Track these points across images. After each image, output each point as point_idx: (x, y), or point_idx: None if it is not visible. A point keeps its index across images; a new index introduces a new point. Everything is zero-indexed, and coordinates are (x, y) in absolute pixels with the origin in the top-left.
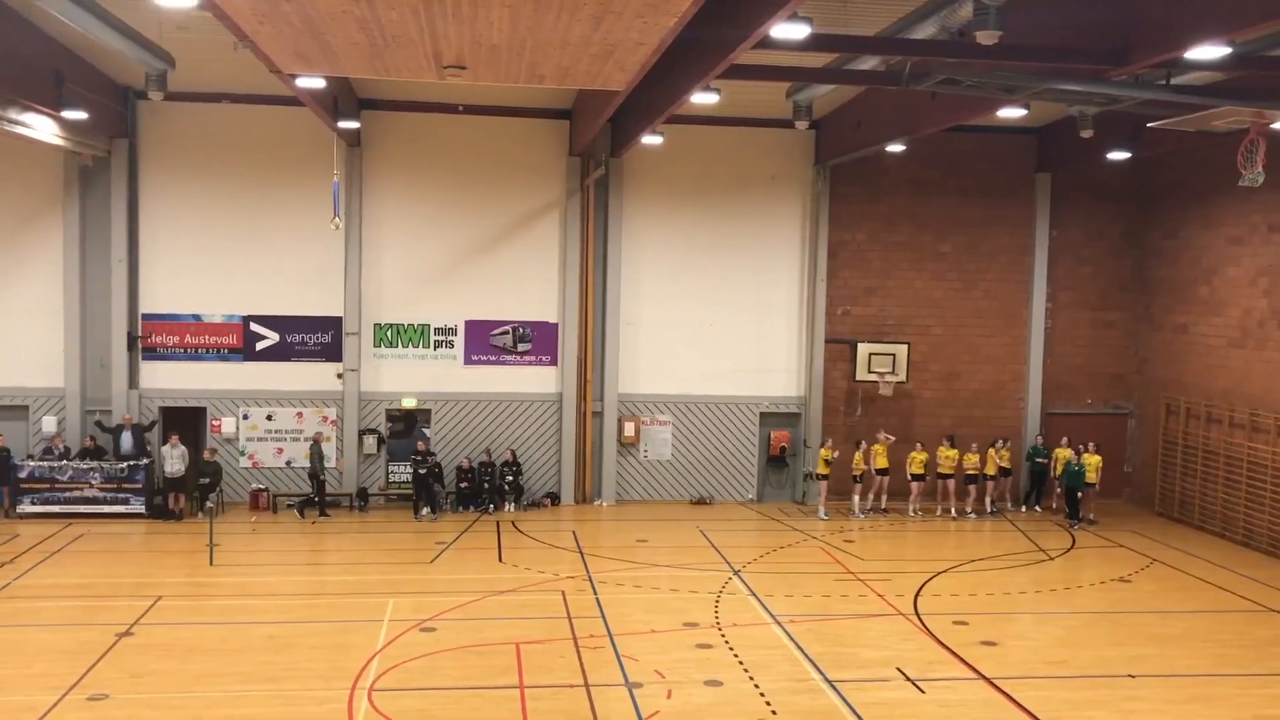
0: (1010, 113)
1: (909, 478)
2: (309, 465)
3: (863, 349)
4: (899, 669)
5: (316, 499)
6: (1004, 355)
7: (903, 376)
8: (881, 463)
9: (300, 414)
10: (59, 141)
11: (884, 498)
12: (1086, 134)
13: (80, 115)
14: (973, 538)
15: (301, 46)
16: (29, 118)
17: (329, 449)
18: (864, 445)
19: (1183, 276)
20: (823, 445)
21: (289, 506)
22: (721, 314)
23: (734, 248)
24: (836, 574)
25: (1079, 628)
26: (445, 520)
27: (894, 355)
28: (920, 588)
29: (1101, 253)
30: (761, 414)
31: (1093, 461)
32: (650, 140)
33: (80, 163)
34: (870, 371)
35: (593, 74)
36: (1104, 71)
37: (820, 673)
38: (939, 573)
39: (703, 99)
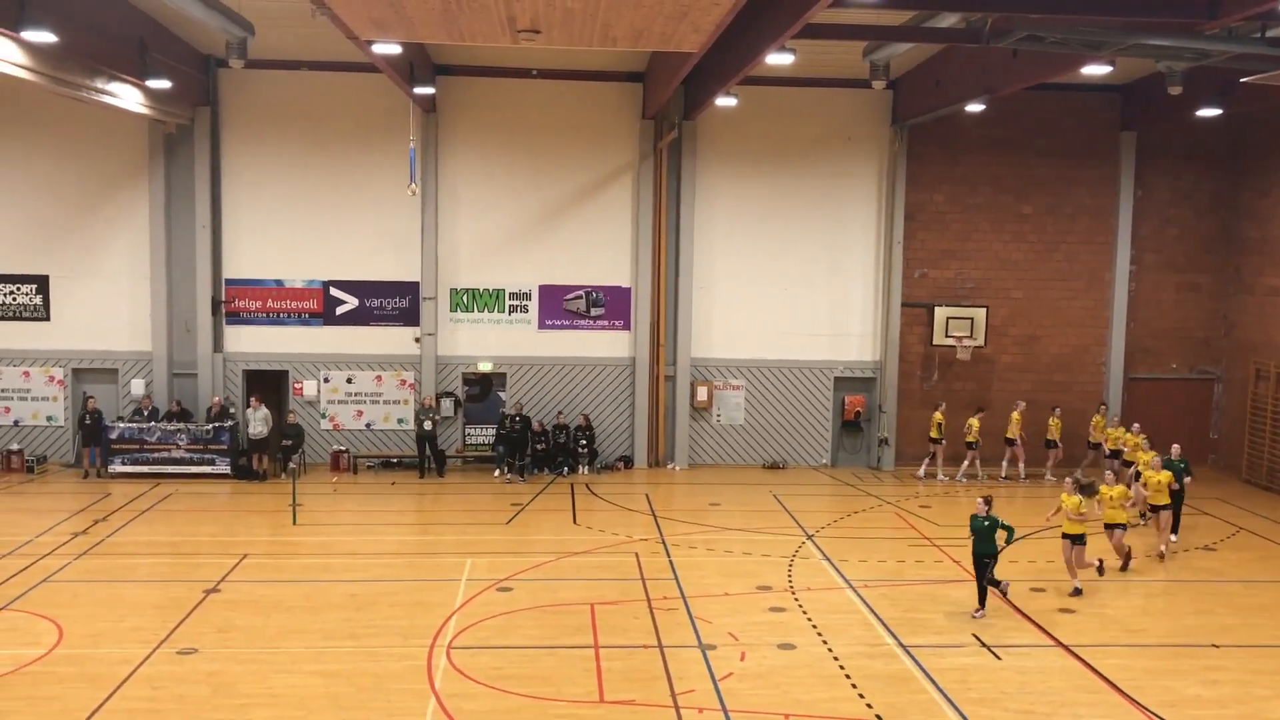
0: (1095, 70)
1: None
2: (420, 429)
3: (940, 312)
4: (975, 635)
5: (433, 462)
6: (1085, 319)
7: (981, 340)
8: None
9: (379, 377)
10: (144, 110)
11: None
12: (1175, 91)
13: (164, 84)
14: (1051, 504)
15: (378, 13)
16: (115, 87)
17: (405, 411)
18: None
19: (1275, 237)
20: (937, 409)
21: (369, 467)
22: (795, 277)
23: (808, 210)
24: (911, 539)
25: (1161, 596)
26: (521, 482)
27: (972, 319)
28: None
29: (1188, 213)
30: (836, 378)
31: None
32: (724, 102)
33: (164, 130)
34: (948, 335)
35: (666, 35)
36: (1194, 25)
37: (894, 638)
38: (1017, 539)
39: (778, 59)
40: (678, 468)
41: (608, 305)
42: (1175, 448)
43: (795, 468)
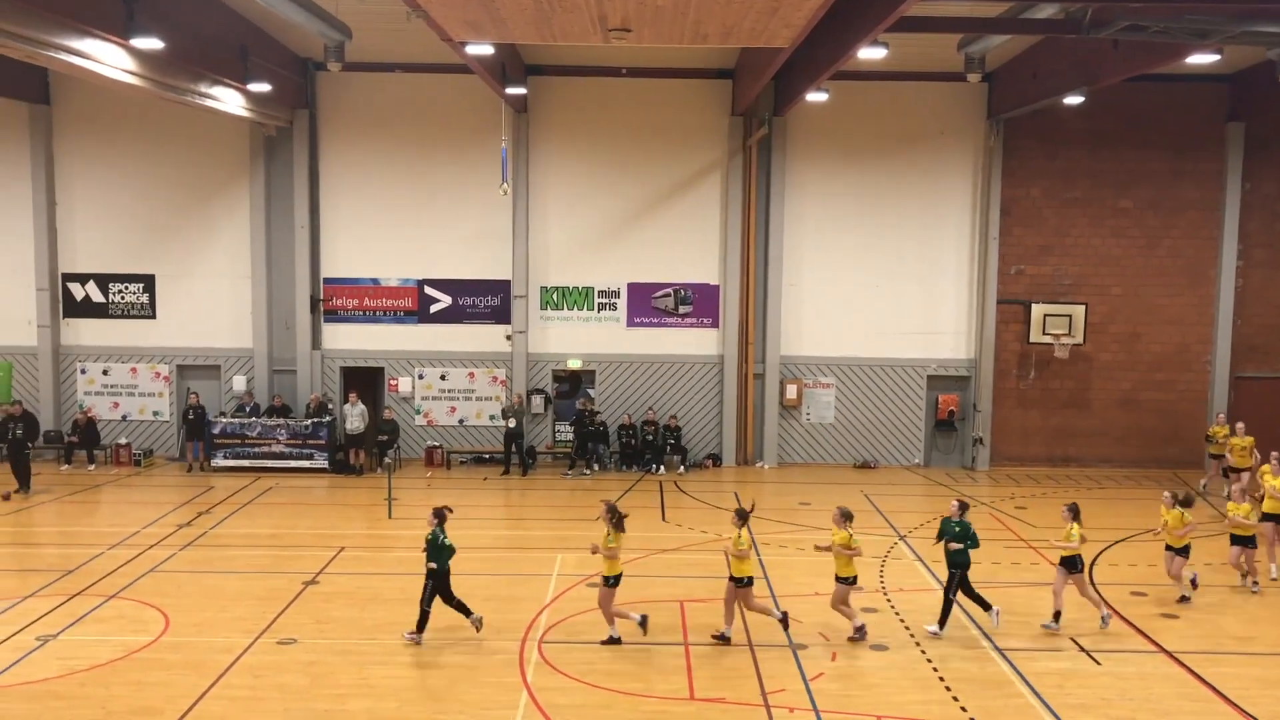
0: (1201, 59)
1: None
2: (509, 427)
3: (1037, 309)
4: (1072, 639)
5: (520, 459)
6: (1189, 316)
7: (1080, 338)
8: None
9: (472, 374)
10: (245, 113)
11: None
12: None
13: (264, 87)
14: (1153, 506)
15: (471, 14)
16: (218, 91)
17: (495, 408)
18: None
19: None
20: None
21: (462, 463)
22: (887, 274)
23: (901, 206)
24: (1007, 540)
25: (1270, 603)
26: (609, 479)
27: (1070, 316)
28: (1096, 556)
29: None
30: (929, 376)
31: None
32: (815, 97)
33: (264, 133)
34: (1045, 333)
35: (757, 31)
36: None
37: (989, 640)
38: (1116, 542)
39: (870, 53)
40: (766, 466)
41: (696, 303)
42: None
43: (887, 467)
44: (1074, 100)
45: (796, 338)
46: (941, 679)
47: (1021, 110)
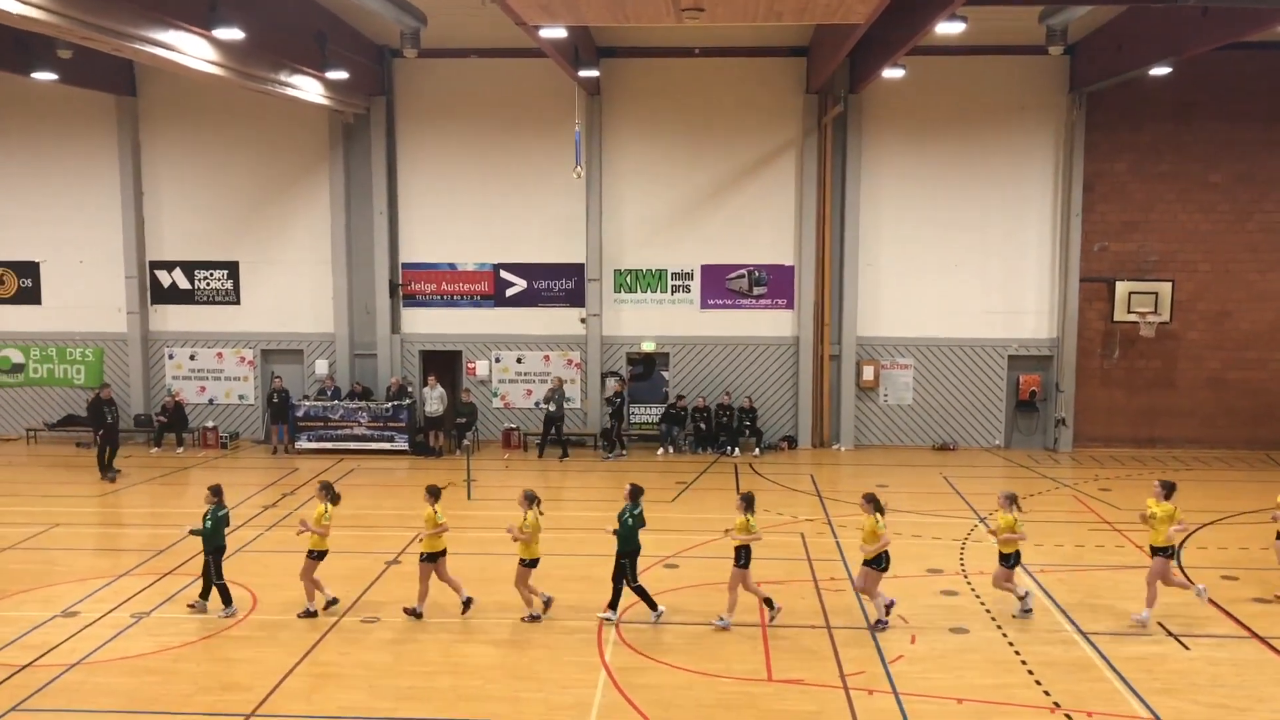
0: None
1: None
2: (549, 409)
3: (1121, 287)
4: (1160, 623)
5: (559, 440)
6: None
7: (1166, 316)
8: None
9: (547, 357)
10: (324, 101)
11: None
12: None
13: (342, 75)
14: (1244, 488)
15: None
16: (297, 79)
17: (572, 390)
18: None
19: None
20: None
21: (539, 445)
22: (967, 253)
23: (980, 183)
24: (1091, 523)
25: None
26: (684, 460)
27: (1156, 294)
28: (1184, 539)
29: None
30: (1010, 357)
31: None
32: (891, 74)
33: (343, 120)
34: (1130, 311)
35: (833, 7)
36: None
37: (1073, 624)
38: (1206, 524)
39: (948, 28)
40: (843, 448)
41: (771, 284)
42: None
43: (966, 449)
44: (1161, 71)
45: (874, 318)
46: (1024, 662)
47: (1105, 83)
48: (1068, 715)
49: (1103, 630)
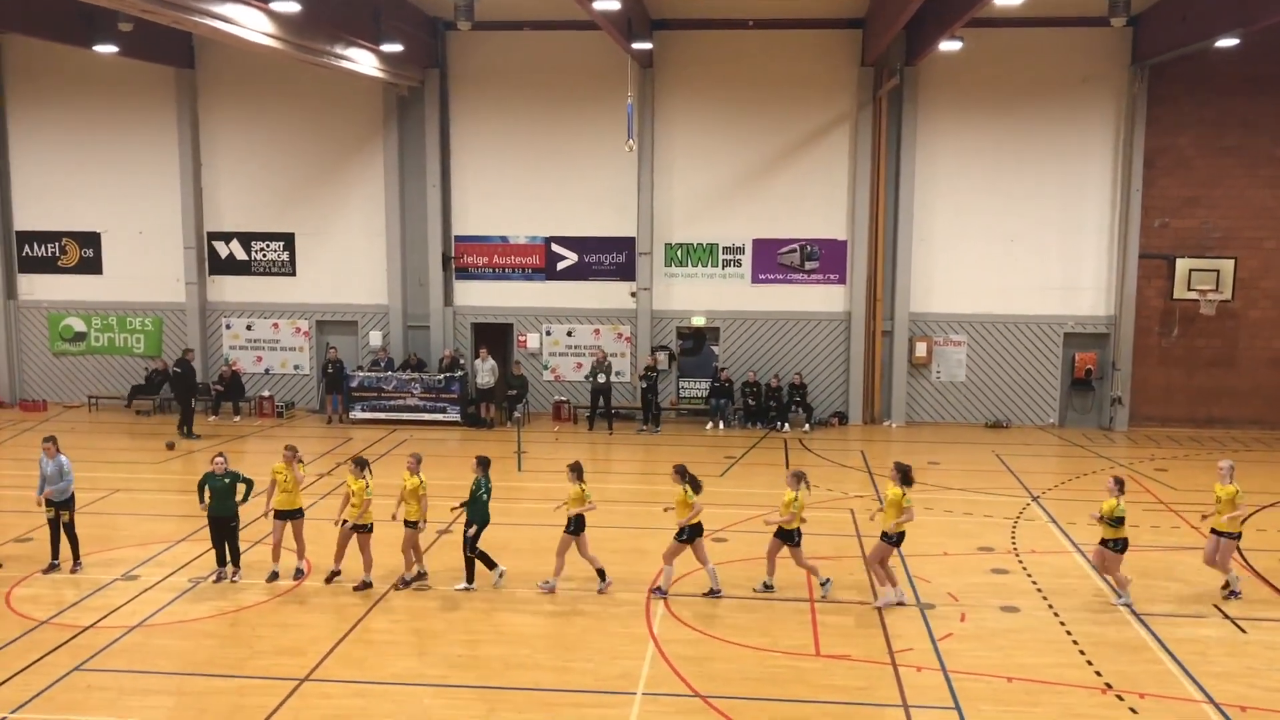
0: None
1: None
2: (595, 383)
3: (1182, 264)
4: (1216, 606)
5: (604, 412)
6: None
7: (1228, 294)
8: None
9: (597, 330)
10: (378, 74)
11: None
12: None
13: (396, 48)
14: None
15: None
16: (352, 52)
17: (622, 364)
18: None
19: None
20: None
21: (589, 417)
22: (1023, 228)
23: (1038, 157)
24: (1146, 503)
25: None
26: (734, 436)
27: (1218, 271)
28: (1243, 521)
29: None
30: (1066, 334)
31: None
32: (948, 46)
33: (397, 93)
34: (1190, 289)
35: None
36: None
37: (1126, 604)
38: (1266, 506)
39: None
40: (894, 425)
41: (823, 258)
42: None
43: (1020, 427)
44: (1228, 43)
45: (927, 294)
46: (1075, 642)
47: (1169, 55)
48: (1119, 696)
49: (1157, 612)
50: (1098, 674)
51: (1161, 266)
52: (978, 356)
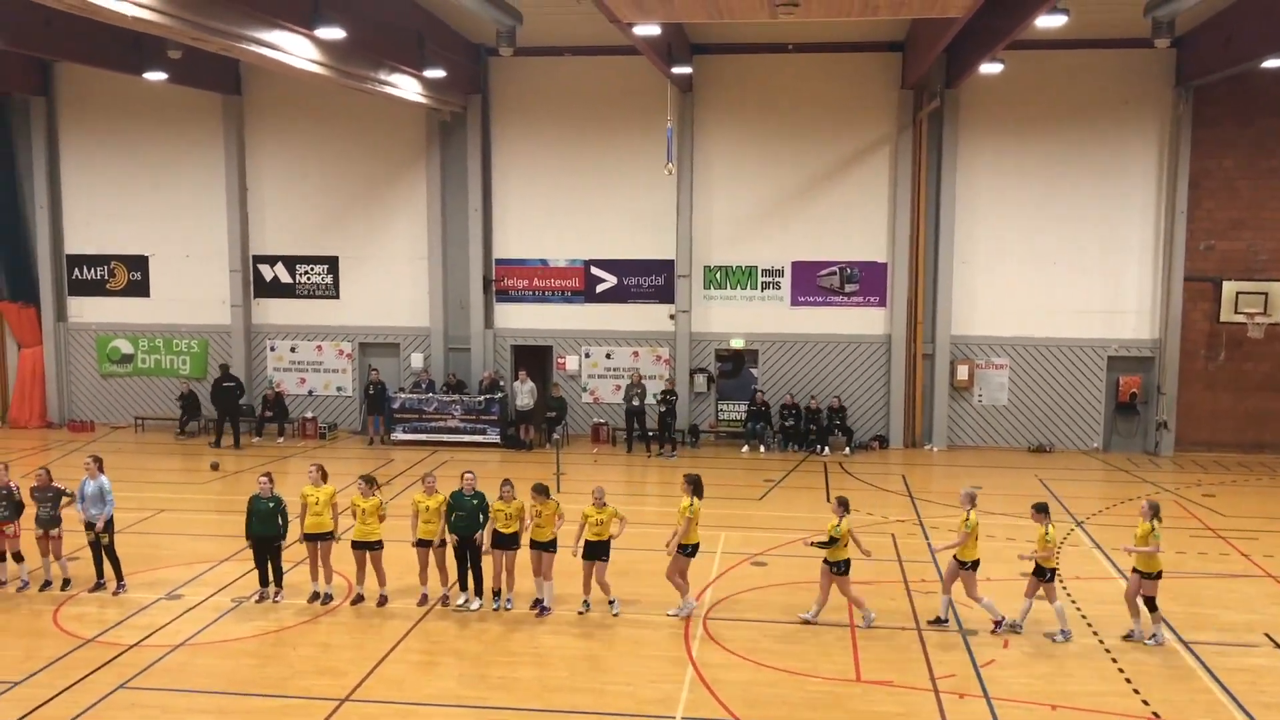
0: None
1: None
2: (629, 405)
3: (1228, 287)
4: (1267, 635)
5: (640, 434)
6: None
7: (1276, 317)
8: None
9: (636, 353)
10: (421, 99)
11: None
12: None
13: (439, 73)
14: None
15: None
16: (396, 78)
17: (659, 386)
18: None
19: None
20: None
21: (626, 440)
22: (1066, 251)
23: (1081, 180)
24: (1193, 529)
25: None
26: (773, 458)
27: (1266, 294)
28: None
29: None
30: (1110, 357)
31: None
32: (989, 69)
33: (440, 119)
34: (1237, 312)
35: (930, 1)
36: None
37: (1174, 632)
38: None
39: (1050, 21)
40: (935, 449)
41: (863, 281)
42: None
43: (1063, 451)
44: (1274, 64)
45: (968, 317)
46: (1121, 670)
47: (1214, 77)
48: None
49: (1206, 640)
50: (1145, 703)
51: (1207, 289)
52: (1020, 380)
